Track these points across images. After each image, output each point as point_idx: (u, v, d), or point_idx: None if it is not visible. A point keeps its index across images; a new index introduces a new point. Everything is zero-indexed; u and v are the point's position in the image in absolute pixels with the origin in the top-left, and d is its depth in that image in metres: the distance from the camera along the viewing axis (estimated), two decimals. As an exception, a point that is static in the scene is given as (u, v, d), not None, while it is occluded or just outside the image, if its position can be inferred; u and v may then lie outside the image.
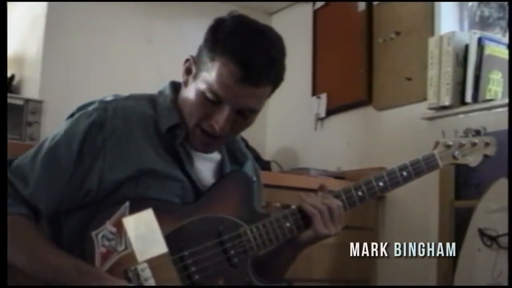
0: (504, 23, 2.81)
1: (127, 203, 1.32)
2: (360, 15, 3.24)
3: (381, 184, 1.55)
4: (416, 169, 1.59)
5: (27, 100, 3.02)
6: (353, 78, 3.23)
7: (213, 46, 1.37)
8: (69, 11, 3.22)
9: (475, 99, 2.61)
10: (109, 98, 1.47)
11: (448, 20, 2.89)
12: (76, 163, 1.37)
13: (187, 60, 1.46)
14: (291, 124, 3.65)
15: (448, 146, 1.65)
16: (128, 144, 1.39)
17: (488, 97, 2.59)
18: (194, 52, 1.48)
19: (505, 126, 2.36)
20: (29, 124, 2.92)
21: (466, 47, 2.64)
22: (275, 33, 1.43)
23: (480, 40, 2.63)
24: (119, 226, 1.30)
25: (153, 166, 1.39)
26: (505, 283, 2.33)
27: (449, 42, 2.65)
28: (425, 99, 2.77)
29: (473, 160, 1.69)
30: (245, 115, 1.41)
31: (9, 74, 3.16)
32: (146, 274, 1.29)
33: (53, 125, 1.52)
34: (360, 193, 1.53)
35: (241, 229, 1.42)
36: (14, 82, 3.27)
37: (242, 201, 1.48)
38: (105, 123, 1.40)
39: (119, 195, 1.36)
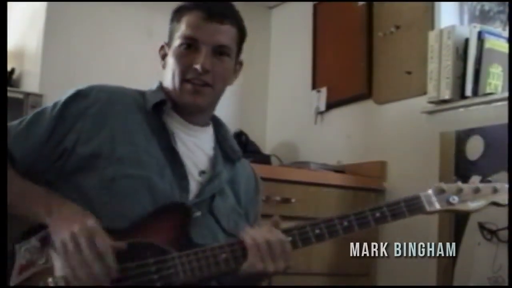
0: (504, 16, 2.80)
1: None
2: (360, 9, 3.23)
3: (345, 223, 1.43)
4: (393, 211, 1.49)
5: (27, 94, 3.02)
6: (353, 72, 3.23)
7: (177, 14, 1.59)
8: (69, 5, 3.21)
9: (475, 93, 2.60)
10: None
11: (448, 14, 2.89)
12: (57, 122, 1.46)
13: (161, 47, 1.62)
14: (291, 118, 3.65)
15: (442, 190, 1.51)
16: (109, 113, 1.47)
17: (488, 91, 2.58)
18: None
19: (505, 120, 2.36)
20: (29, 118, 2.91)
21: (466, 41, 2.63)
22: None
23: (480, 34, 2.62)
24: (44, 242, 1.32)
25: (131, 137, 1.46)
26: (505, 277, 2.33)
27: (449, 36, 2.65)
28: (425, 92, 2.77)
29: (476, 206, 1.49)
30: (221, 58, 1.53)
31: (9, 68, 3.16)
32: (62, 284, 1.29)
33: (53, 119, 1.56)
34: (317, 231, 1.42)
35: (169, 255, 1.35)
36: (14, 76, 3.27)
37: (178, 231, 1.41)
38: (90, 94, 1.50)
39: (90, 168, 1.41)
